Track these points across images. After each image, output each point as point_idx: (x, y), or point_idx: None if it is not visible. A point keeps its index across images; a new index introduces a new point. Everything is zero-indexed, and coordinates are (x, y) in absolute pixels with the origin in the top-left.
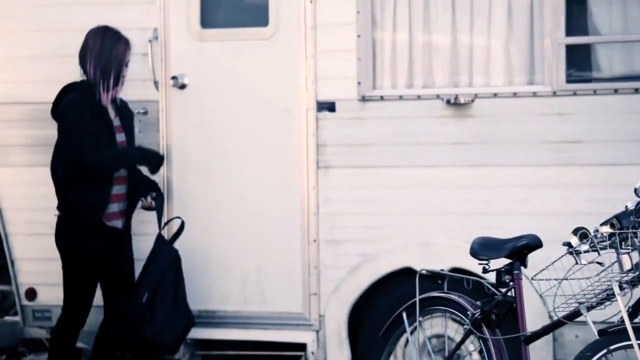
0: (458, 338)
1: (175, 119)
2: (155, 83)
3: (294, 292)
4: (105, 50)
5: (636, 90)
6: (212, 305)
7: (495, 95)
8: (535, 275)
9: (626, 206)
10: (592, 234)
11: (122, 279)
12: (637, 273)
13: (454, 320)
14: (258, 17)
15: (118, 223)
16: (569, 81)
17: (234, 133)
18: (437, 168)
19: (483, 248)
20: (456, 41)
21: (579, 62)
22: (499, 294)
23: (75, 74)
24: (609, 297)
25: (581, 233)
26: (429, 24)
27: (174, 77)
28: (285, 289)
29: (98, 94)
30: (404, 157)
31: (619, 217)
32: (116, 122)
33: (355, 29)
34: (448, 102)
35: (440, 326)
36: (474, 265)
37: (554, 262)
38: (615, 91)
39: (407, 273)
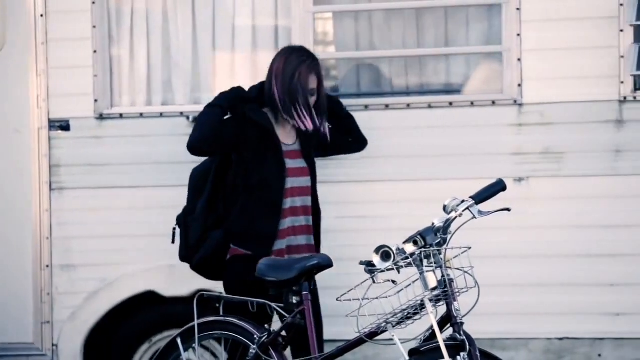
0: None
1: None
2: None
3: (26, 321)
4: (287, 74)
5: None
6: None
7: None
8: (341, 296)
9: (433, 222)
10: (395, 252)
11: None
12: (441, 290)
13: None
14: None
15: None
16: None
17: None
18: (183, 188)
19: (270, 269)
20: (198, 57)
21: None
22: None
23: None
24: (411, 315)
25: (383, 251)
26: (168, 39)
27: None
28: (16, 318)
29: (300, 123)
30: (147, 177)
31: (422, 234)
32: (295, 146)
33: (91, 45)
34: (195, 120)
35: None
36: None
37: (362, 282)
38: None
39: (150, 297)
